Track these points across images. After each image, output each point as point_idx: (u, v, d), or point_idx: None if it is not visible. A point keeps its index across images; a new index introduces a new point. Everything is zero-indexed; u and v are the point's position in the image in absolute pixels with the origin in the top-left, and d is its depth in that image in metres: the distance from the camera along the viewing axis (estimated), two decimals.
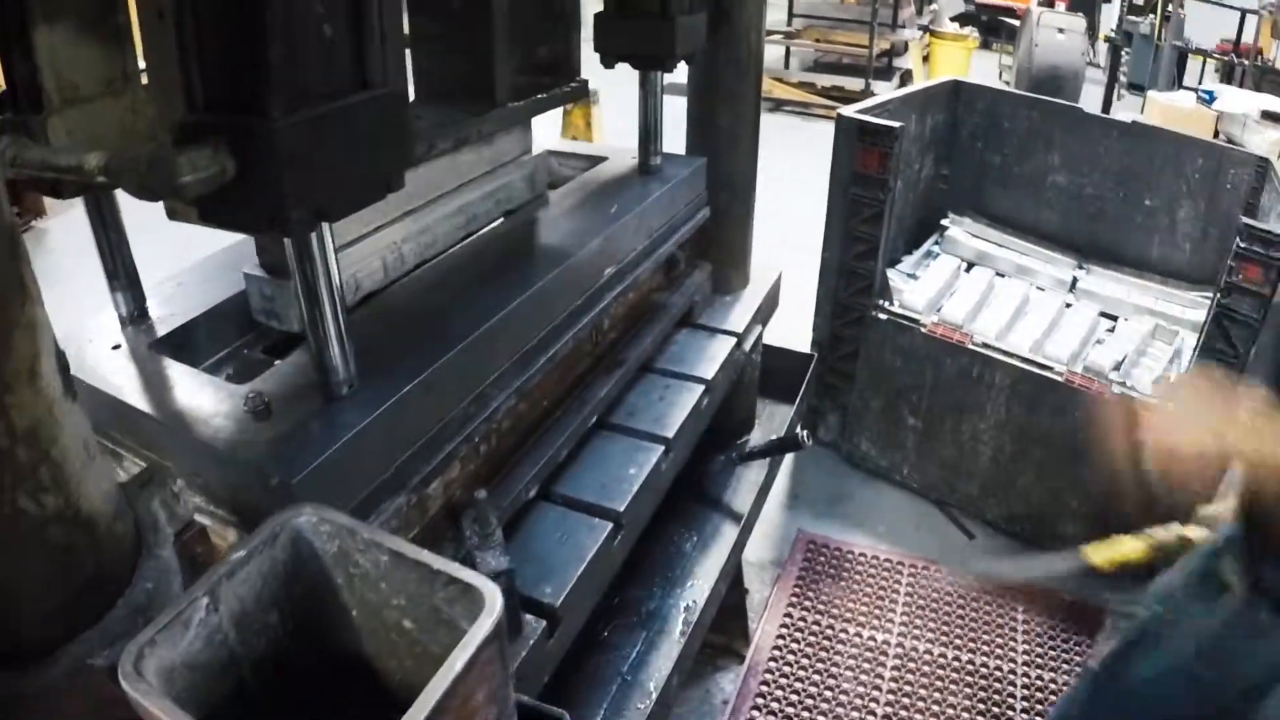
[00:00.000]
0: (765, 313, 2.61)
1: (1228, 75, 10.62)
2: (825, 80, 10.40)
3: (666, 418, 2.00)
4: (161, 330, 1.54)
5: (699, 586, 2.16)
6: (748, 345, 2.45)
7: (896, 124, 3.30)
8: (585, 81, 2.13)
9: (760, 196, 2.75)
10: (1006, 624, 3.13)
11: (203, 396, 1.31)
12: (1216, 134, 7.64)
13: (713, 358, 2.24)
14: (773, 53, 10.49)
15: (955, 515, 3.70)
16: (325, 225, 1.18)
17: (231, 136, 1.02)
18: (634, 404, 2.05)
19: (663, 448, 1.91)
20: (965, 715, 2.79)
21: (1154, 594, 1.71)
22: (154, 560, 0.95)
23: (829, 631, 3.09)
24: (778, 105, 10.05)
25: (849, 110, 3.49)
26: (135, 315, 1.57)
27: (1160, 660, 1.64)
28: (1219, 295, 2.77)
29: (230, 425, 1.24)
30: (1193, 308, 3.78)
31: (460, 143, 1.76)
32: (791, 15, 11.14)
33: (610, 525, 1.70)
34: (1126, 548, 1.78)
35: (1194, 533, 1.74)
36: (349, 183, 1.16)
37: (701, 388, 2.10)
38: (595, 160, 2.36)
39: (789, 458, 3.90)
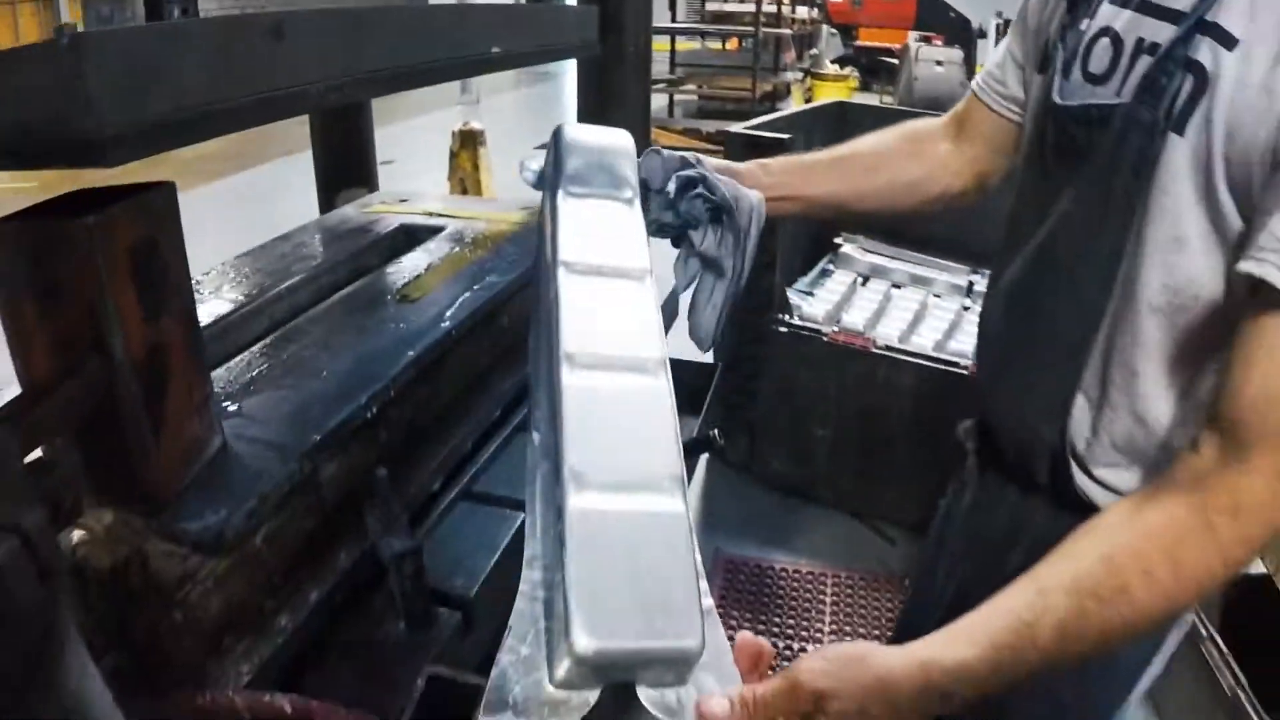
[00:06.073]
0: (667, 314, 2.55)
1: None
2: (710, 126, 10.58)
3: None
4: None
5: None
6: None
7: (785, 135, 3.31)
8: None
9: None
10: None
11: None
12: None
13: None
14: (657, 101, 10.64)
15: (875, 524, 3.67)
16: None
17: None
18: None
19: None
20: None
21: None
22: None
23: None
24: None
25: (738, 127, 3.50)
26: None
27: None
28: None
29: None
30: None
31: None
32: (674, 64, 11.33)
33: (523, 516, 1.58)
34: None
35: None
36: None
37: None
38: None
39: (698, 481, 3.84)
